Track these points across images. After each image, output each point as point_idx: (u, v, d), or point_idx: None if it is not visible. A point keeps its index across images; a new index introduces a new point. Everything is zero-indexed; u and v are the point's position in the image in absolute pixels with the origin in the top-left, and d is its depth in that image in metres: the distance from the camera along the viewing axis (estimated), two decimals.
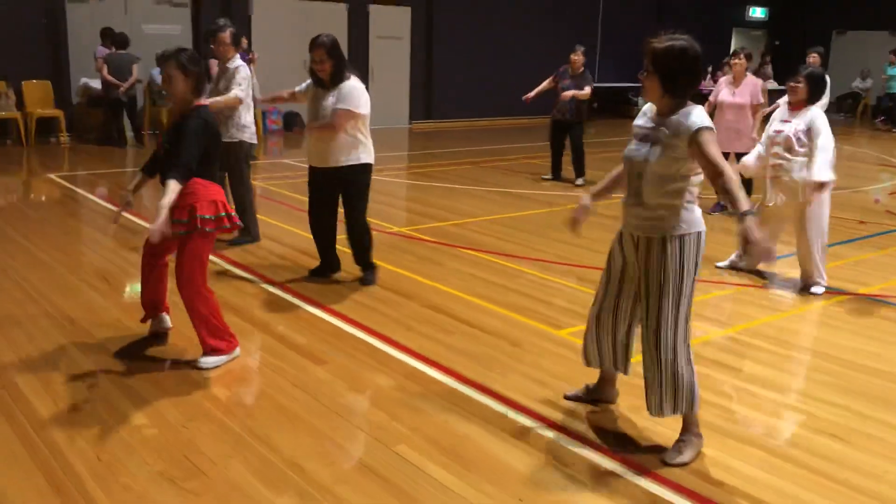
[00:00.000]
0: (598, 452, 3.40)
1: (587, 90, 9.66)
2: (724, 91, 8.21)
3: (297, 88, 5.60)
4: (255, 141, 6.51)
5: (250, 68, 10.64)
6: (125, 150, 11.60)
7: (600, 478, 3.22)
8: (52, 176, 9.44)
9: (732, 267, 6.17)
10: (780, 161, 5.57)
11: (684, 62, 3.12)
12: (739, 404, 3.94)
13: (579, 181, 9.85)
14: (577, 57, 9.66)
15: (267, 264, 6.02)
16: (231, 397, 3.85)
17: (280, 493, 3.03)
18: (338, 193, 5.50)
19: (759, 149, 5.87)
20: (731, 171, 3.05)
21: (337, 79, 5.19)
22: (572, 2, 17.43)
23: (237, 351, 4.25)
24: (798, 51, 20.47)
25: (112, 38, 11.44)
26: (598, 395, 3.82)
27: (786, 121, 5.58)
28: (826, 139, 5.41)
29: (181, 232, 3.98)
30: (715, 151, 3.06)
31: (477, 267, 6.12)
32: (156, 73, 12.15)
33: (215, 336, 4.14)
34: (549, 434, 3.55)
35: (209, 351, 4.14)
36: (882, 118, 18.69)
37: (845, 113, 20.56)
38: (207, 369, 4.09)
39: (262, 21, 13.58)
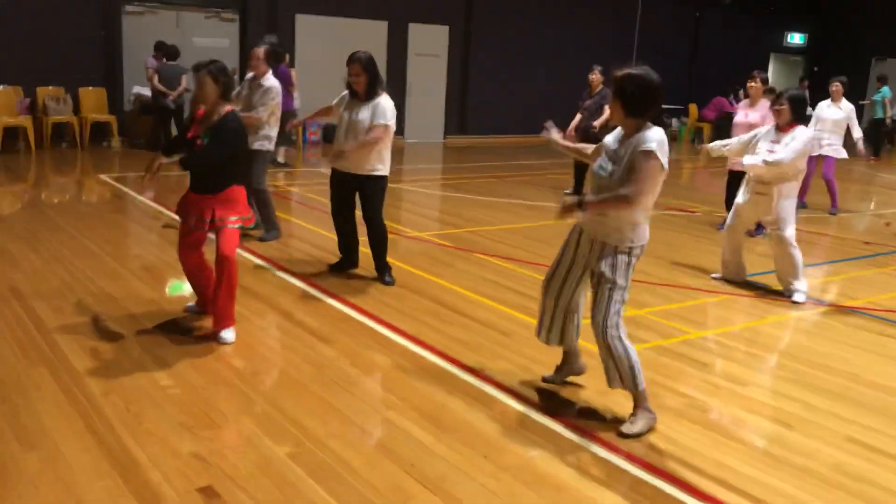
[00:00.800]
0: (561, 424, 3.84)
1: (607, 110, 10.09)
2: (739, 113, 8.56)
3: (333, 102, 6.08)
4: (272, 148, 7.03)
5: (292, 79, 11.28)
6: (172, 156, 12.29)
7: (559, 443, 3.66)
8: (104, 177, 10.15)
9: (724, 279, 6.53)
10: (764, 180, 5.96)
11: (640, 88, 3.58)
12: (701, 393, 4.34)
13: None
14: (595, 76, 10.10)
15: (292, 259, 6.56)
16: (247, 367, 4.37)
17: (280, 442, 3.53)
18: (355, 196, 6.00)
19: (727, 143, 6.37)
20: (638, 197, 3.54)
21: (371, 93, 5.68)
22: (608, 25, 17.85)
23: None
24: (835, 77, 20.67)
25: (164, 49, 12.18)
26: (566, 371, 4.26)
27: (774, 141, 5.95)
28: (790, 154, 5.77)
29: (234, 226, 4.63)
30: (644, 174, 3.52)
31: (483, 269, 6.59)
32: None
33: (229, 313, 4.68)
34: (521, 407, 4.00)
35: (230, 326, 4.67)
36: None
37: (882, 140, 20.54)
38: (227, 343, 4.62)
39: (305, 37, 14.26)
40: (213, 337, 4.68)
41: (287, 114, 11.63)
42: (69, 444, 3.43)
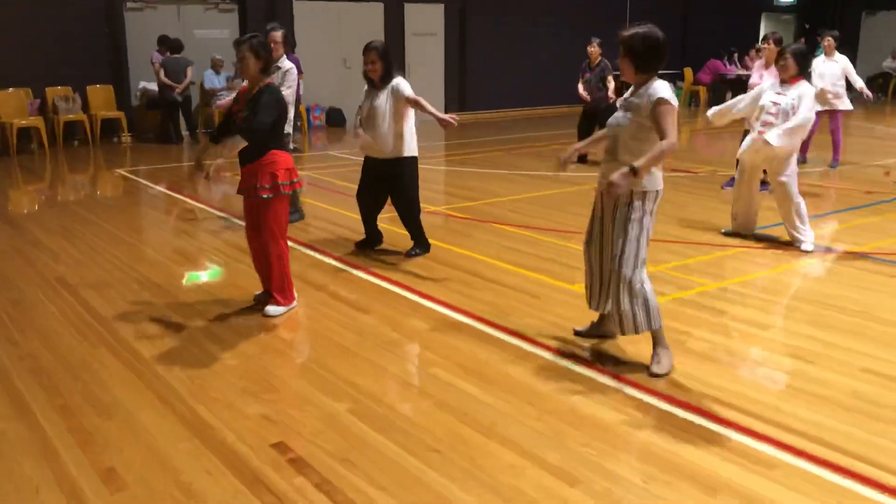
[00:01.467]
0: (595, 370, 4.12)
1: (611, 82, 10.33)
2: (754, 75, 8.72)
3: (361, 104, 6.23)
4: (290, 131, 7.26)
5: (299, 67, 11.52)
6: (181, 147, 12.54)
7: (594, 387, 3.94)
8: (121, 171, 10.39)
9: (734, 232, 6.78)
10: (766, 132, 6.19)
11: (647, 44, 3.88)
12: (722, 337, 4.62)
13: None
14: (593, 49, 10.33)
15: (320, 239, 6.82)
16: (295, 337, 4.64)
17: (339, 400, 3.81)
18: (384, 181, 6.19)
19: (732, 105, 6.57)
20: (675, 141, 3.79)
21: (387, 79, 5.93)
22: None
23: (294, 304, 5.04)
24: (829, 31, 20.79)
25: (168, 43, 12.37)
26: (600, 331, 4.52)
27: (780, 93, 6.19)
28: (804, 113, 6.03)
29: (266, 196, 4.77)
30: (668, 121, 3.79)
31: (503, 237, 6.85)
32: (208, 75, 13.11)
33: (281, 291, 4.93)
34: (556, 359, 4.28)
35: (273, 302, 4.94)
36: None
37: (877, 93, 20.75)
38: (272, 317, 4.89)
39: (303, 21, 14.41)
40: (260, 311, 4.96)
41: (296, 101, 11.92)
42: (144, 412, 3.71)
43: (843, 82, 10.06)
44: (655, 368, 4.04)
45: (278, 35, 7.06)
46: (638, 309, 4.02)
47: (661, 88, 3.87)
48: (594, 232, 4.25)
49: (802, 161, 10.47)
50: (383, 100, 5.92)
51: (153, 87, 12.80)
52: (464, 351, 4.40)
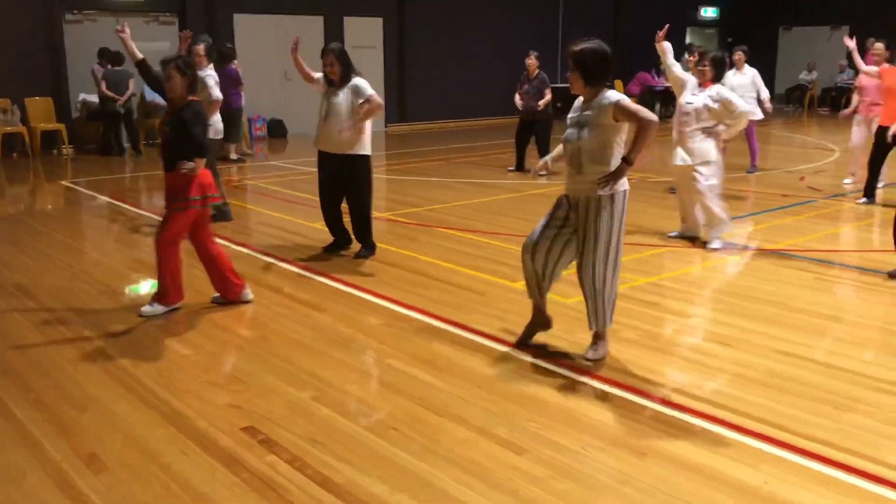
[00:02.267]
0: (538, 358, 4.49)
1: (548, 94, 10.82)
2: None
3: (315, 74, 6.50)
4: (220, 137, 7.58)
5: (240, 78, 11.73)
6: (124, 159, 12.57)
7: (538, 372, 4.31)
8: (65, 182, 10.41)
9: (681, 236, 7.21)
10: (685, 129, 6.70)
11: (595, 58, 4.18)
12: (652, 326, 5.04)
13: (545, 173, 10.93)
14: (531, 61, 10.81)
15: (272, 245, 7.05)
16: (254, 334, 4.89)
17: (302, 389, 4.09)
18: (341, 178, 6.47)
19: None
20: (653, 119, 4.07)
21: (346, 79, 6.25)
22: (534, 9, 18.58)
23: (175, 306, 5.25)
24: (749, 46, 21.82)
25: (109, 56, 12.40)
26: (535, 327, 4.75)
27: (694, 95, 6.72)
28: (740, 102, 6.64)
29: (177, 209, 5.02)
30: (634, 108, 4.10)
31: (448, 241, 7.20)
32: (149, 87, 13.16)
33: (162, 294, 5.19)
34: (503, 349, 4.63)
35: (153, 300, 5.20)
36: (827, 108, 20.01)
37: (793, 104, 21.86)
38: (144, 316, 5.11)
39: (243, 34, 14.57)
40: (217, 309, 5.19)
41: (235, 111, 12.09)
42: (117, 405, 3.92)
43: (753, 94, 10.70)
44: (591, 354, 4.42)
45: (201, 48, 7.43)
46: (610, 308, 4.36)
47: (612, 94, 4.18)
48: (543, 240, 4.40)
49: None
50: (342, 98, 6.22)
51: (94, 98, 12.80)
52: (417, 343, 4.72)
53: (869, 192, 8.80)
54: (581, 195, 4.28)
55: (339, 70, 6.22)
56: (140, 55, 5.46)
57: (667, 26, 7.00)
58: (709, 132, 6.66)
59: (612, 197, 4.23)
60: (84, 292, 5.68)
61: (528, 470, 3.30)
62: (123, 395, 4.03)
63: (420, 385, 4.14)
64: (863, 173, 9.12)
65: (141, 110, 13.29)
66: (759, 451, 3.47)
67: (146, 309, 5.17)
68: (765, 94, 10.81)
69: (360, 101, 6.23)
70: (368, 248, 6.61)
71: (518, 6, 18.26)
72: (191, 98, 5.09)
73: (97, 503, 3.07)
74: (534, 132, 10.96)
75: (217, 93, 7.51)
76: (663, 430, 3.66)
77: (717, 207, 6.80)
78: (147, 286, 5.84)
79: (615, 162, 4.22)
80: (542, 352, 4.57)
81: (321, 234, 6.98)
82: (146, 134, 13.46)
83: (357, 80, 6.26)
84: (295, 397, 4.00)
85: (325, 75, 6.33)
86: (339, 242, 6.76)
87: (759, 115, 10.80)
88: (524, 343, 4.69)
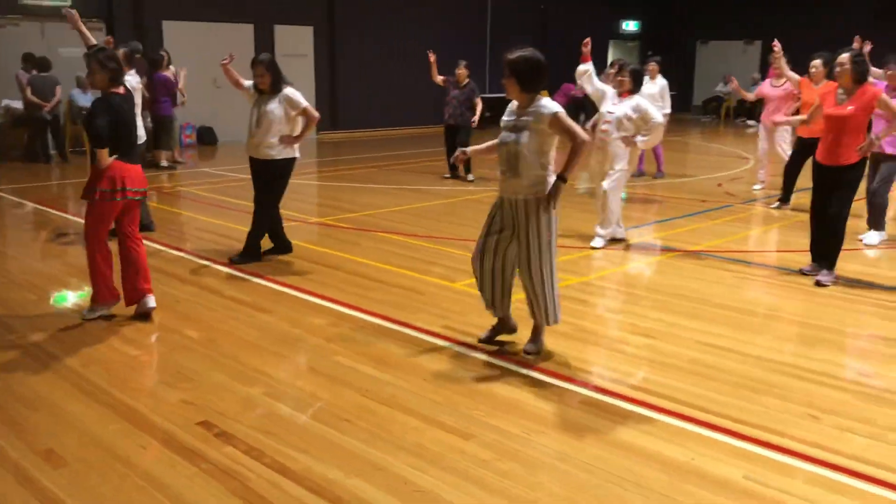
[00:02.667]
0: (478, 352, 4.72)
1: (479, 103, 11.11)
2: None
3: (245, 82, 6.62)
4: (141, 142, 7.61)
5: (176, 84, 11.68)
6: (51, 166, 12.33)
7: (480, 365, 4.54)
8: None
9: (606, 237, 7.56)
10: (606, 137, 7.08)
11: (530, 65, 4.41)
12: (584, 321, 5.34)
13: (470, 177, 11.24)
14: (461, 71, 11.09)
15: (210, 249, 7.11)
16: (200, 335, 4.98)
17: (252, 385, 4.22)
18: (261, 181, 6.61)
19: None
20: (586, 137, 4.37)
21: (276, 88, 6.37)
22: (464, 19, 18.94)
23: (106, 310, 5.26)
24: (668, 59, 22.67)
25: (34, 61, 12.17)
26: (501, 330, 4.94)
27: (615, 104, 7.10)
28: (657, 113, 7.05)
29: (94, 199, 5.03)
30: (570, 124, 4.35)
31: (387, 244, 7.39)
32: (76, 93, 12.96)
33: (93, 295, 5.24)
34: (446, 344, 4.85)
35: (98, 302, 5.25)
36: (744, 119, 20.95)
37: (710, 115, 22.80)
38: (87, 319, 5.17)
39: (172, 41, 14.44)
40: (163, 311, 5.26)
41: (165, 119, 12.02)
42: (69, 403, 3.98)
43: (660, 103, 11.22)
44: (530, 347, 4.68)
45: (119, 53, 7.44)
46: (554, 303, 4.60)
47: (551, 104, 4.40)
48: (492, 243, 4.61)
49: (640, 174, 11.64)
50: (274, 107, 6.35)
51: (17, 104, 12.53)
52: (362, 342, 4.89)
53: (785, 197, 9.34)
54: (518, 197, 4.49)
55: (270, 80, 6.36)
56: (93, 41, 5.49)
57: (588, 39, 7.34)
58: (627, 141, 7.03)
59: (547, 204, 4.46)
60: (24, 298, 5.66)
61: (475, 453, 3.52)
62: (75, 394, 4.09)
63: (368, 379, 4.32)
64: (774, 179, 9.69)
65: (69, 116, 13.05)
66: (684, 430, 3.77)
67: (86, 312, 5.21)
68: (667, 108, 11.32)
69: (294, 112, 6.39)
70: (249, 257, 6.66)
71: (447, 18, 18.58)
72: (112, 90, 5.10)
73: (59, 496, 3.16)
74: (457, 138, 11.19)
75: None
76: (598, 414, 3.94)
77: (616, 212, 7.20)
78: (86, 290, 5.84)
79: (550, 167, 4.49)
80: (484, 346, 4.81)
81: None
82: (72, 140, 13.23)
83: (288, 91, 6.40)
84: (247, 393, 4.13)
85: (255, 85, 6.45)
86: (280, 247, 6.87)
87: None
88: (487, 341, 4.86)
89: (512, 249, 4.62)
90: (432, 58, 11.19)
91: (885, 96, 6.15)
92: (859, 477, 3.37)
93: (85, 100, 13.01)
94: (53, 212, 8.84)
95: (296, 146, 6.56)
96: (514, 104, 4.60)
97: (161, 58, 11.85)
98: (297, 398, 4.08)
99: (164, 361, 4.58)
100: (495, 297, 4.73)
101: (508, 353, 4.71)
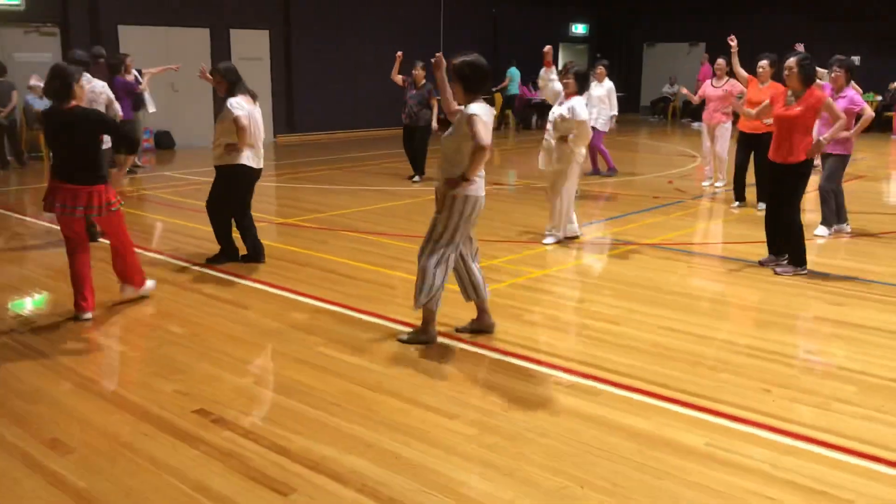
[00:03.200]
0: (452, 339, 5.00)
1: (435, 103, 11.37)
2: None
3: None
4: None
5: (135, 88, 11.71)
6: (8, 172, 12.25)
7: (454, 350, 4.82)
8: None
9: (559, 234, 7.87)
10: (550, 137, 7.40)
11: (472, 69, 4.71)
12: (550, 309, 5.65)
13: (416, 178, 11.52)
14: (418, 72, 11.34)
15: (183, 251, 7.25)
16: (185, 331, 5.16)
17: (242, 376, 4.43)
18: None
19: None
20: (486, 143, 4.56)
21: (230, 95, 6.54)
22: (417, 21, 19.20)
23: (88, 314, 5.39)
24: (616, 61, 23.29)
25: None
26: (478, 327, 5.18)
27: (560, 104, 7.40)
28: (584, 112, 7.30)
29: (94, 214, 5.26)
30: (480, 127, 4.56)
31: (356, 243, 7.62)
32: (30, 98, 12.88)
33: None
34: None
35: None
36: (689, 119, 21.62)
37: (658, 115, 23.45)
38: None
39: (129, 46, 14.39)
40: (143, 309, 5.42)
41: (125, 122, 12.03)
42: (67, 397, 4.15)
43: (607, 105, 11.65)
44: (401, 338, 5.00)
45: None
46: (425, 291, 4.83)
47: (474, 106, 4.64)
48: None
49: (595, 173, 12.05)
50: (223, 114, 6.52)
51: None
52: (342, 333, 5.13)
53: (740, 195, 9.67)
54: (439, 189, 4.79)
55: (225, 87, 6.54)
56: None
57: (549, 47, 7.63)
58: (562, 140, 7.32)
59: (454, 198, 4.72)
60: (6, 299, 5.76)
61: (460, 430, 3.79)
62: (71, 388, 4.25)
63: (351, 367, 4.56)
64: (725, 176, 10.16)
65: (24, 121, 12.96)
66: (650, 405, 4.10)
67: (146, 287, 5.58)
68: (614, 110, 11.75)
69: (227, 121, 6.49)
70: (226, 256, 6.83)
71: (401, 23, 18.83)
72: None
73: (70, 479, 3.34)
74: (414, 138, 11.43)
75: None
76: (569, 393, 4.24)
77: (567, 209, 7.53)
78: (63, 291, 5.96)
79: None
80: (456, 333, 5.08)
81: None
82: (29, 146, 13.14)
83: (230, 100, 6.51)
84: (238, 383, 4.34)
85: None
86: (251, 255, 6.96)
87: (605, 129, 11.71)
88: (462, 331, 5.13)
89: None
90: (399, 56, 11.36)
91: (829, 100, 6.57)
92: (809, 440, 3.73)
93: (40, 104, 12.94)
94: (15, 215, 8.86)
95: (243, 153, 6.58)
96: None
97: (120, 61, 11.86)
98: (286, 386, 4.30)
99: (154, 356, 4.75)
100: (463, 284, 5.04)
101: (481, 341, 4.99)
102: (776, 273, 6.56)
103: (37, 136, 12.89)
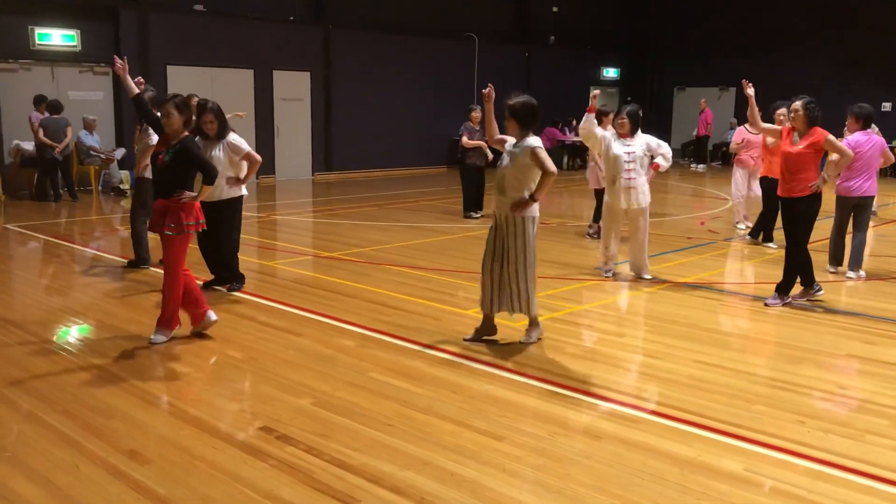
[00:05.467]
0: (496, 367, 5.24)
1: (466, 142, 11.74)
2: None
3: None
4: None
5: None
6: (61, 205, 12.76)
7: (499, 378, 5.05)
8: (10, 227, 10.60)
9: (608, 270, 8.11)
10: (633, 175, 7.66)
11: (526, 109, 5.51)
12: (590, 343, 5.88)
13: (478, 214, 11.91)
14: (476, 114, 11.73)
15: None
16: (244, 355, 5.45)
17: (300, 397, 4.70)
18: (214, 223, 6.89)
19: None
20: (555, 170, 5.36)
21: (222, 134, 6.93)
22: (452, 66, 19.71)
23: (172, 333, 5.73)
24: (647, 105, 23.65)
25: (47, 104, 12.66)
26: (484, 333, 5.76)
27: (628, 145, 7.69)
28: (664, 144, 7.81)
29: (168, 233, 5.52)
30: (545, 157, 5.35)
31: (398, 276, 7.91)
32: (83, 135, 13.45)
33: (166, 320, 5.68)
34: (467, 363, 5.35)
35: (161, 328, 5.69)
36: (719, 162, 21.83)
37: (688, 157, 23.67)
38: (156, 344, 5.62)
39: (176, 85, 14.97)
40: (207, 337, 5.72)
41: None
42: (140, 413, 4.43)
43: None
44: (525, 339, 5.68)
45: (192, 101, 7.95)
46: (529, 297, 5.60)
47: (534, 140, 5.53)
48: (487, 255, 5.66)
49: None
50: (220, 152, 6.86)
51: (28, 146, 12.98)
52: (390, 360, 5.39)
53: (767, 236, 9.89)
54: (503, 213, 5.54)
55: (216, 126, 6.86)
56: (136, 90, 6.02)
57: (597, 91, 7.95)
58: (655, 170, 7.78)
59: (523, 219, 5.50)
60: (71, 322, 6.10)
61: (509, 451, 4.02)
62: (142, 405, 4.54)
63: (402, 391, 4.82)
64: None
65: (75, 157, 13.50)
66: (689, 433, 4.30)
67: (155, 337, 5.63)
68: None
69: (237, 157, 6.92)
70: (239, 281, 7.22)
71: (437, 66, 19.35)
72: (186, 133, 5.66)
73: (151, 486, 3.61)
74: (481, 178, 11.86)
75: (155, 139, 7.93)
76: (612, 420, 4.46)
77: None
78: (129, 318, 6.30)
79: (527, 192, 5.47)
80: (501, 361, 5.32)
81: (279, 270, 7.58)
82: (79, 180, 13.68)
83: (231, 137, 6.94)
84: (296, 404, 4.61)
85: (200, 129, 6.81)
86: (218, 280, 7.23)
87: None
88: (472, 340, 5.76)
89: (506, 261, 5.59)
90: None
91: (831, 137, 6.87)
92: (842, 469, 3.91)
93: (92, 140, 13.52)
94: (77, 247, 9.27)
95: (243, 186, 7.05)
96: (513, 139, 5.64)
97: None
98: (342, 408, 4.56)
99: (216, 377, 5.04)
100: (492, 296, 5.68)
101: (526, 367, 5.23)
102: (766, 305, 6.90)
103: (87, 170, 13.43)
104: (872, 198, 8.22)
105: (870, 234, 8.75)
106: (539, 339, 5.77)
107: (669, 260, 9.06)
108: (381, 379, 5.03)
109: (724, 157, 22.51)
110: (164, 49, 14.91)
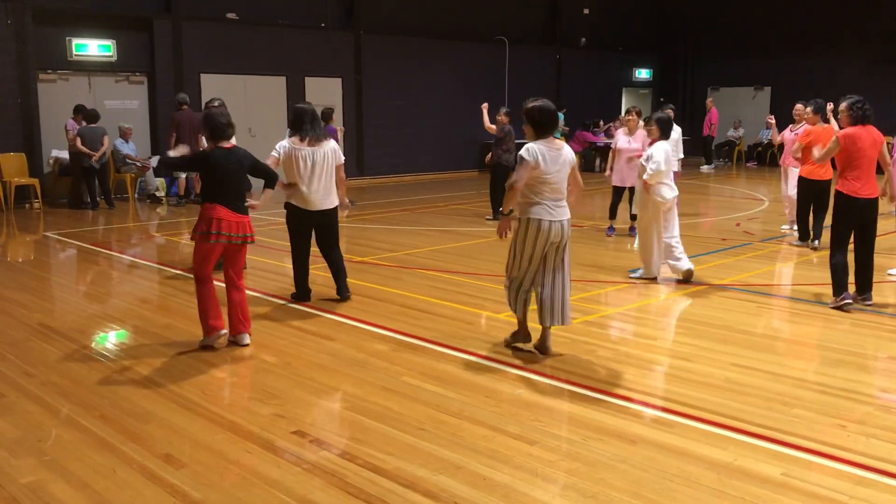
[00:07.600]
0: (528, 371, 5.21)
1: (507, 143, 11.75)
2: (621, 139, 10.36)
3: None
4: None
5: None
6: (98, 212, 12.96)
7: (532, 382, 5.03)
8: (50, 234, 10.80)
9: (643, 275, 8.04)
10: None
11: (542, 113, 5.34)
12: (622, 346, 5.82)
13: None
14: (502, 118, 11.72)
15: (270, 287, 7.65)
16: (278, 360, 5.49)
17: (333, 401, 4.72)
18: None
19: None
20: (518, 185, 5.21)
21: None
22: (483, 70, 19.71)
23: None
24: (681, 105, 23.40)
25: (84, 113, 12.89)
26: (518, 338, 5.69)
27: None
28: (658, 157, 7.49)
29: (192, 239, 5.61)
30: (518, 167, 5.23)
31: (430, 280, 7.91)
32: (119, 143, 13.66)
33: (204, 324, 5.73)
34: (500, 367, 5.34)
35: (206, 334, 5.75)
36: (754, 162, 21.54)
37: (723, 159, 23.40)
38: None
39: (210, 92, 15.11)
40: (237, 343, 5.77)
41: None
42: (175, 418, 4.48)
43: (672, 150, 11.72)
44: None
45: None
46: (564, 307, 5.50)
47: (527, 147, 5.26)
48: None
49: None
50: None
51: (65, 155, 13.22)
52: (423, 364, 5.39)
53: (804, 234, 9.77)
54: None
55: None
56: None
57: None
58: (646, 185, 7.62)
59: (518, 222, 5.40)
60: (107, 328, 6.20)
61: (541, 455, 3.99)
62: (178, 410, 4.59)
63: (434, 395, 4.81)
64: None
65: (112, 166, 13.72)
66: (725, 437, 4.24)
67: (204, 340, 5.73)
68: (680, 154, 11.84)
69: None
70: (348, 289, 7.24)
71: (468, 70, 19.37)
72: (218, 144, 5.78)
73: (186, 489, 3.64)
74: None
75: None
76: (645, 424, 4.41)
77: (650, 250, 7.78)
78: (166, 324, 6.37)
79: (531, 198, 5.34)
80: (533, 366, 5.30)
81: (311, 275, 7.59)
82: (116, 188, 13.89)
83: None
84: (329, 408, 4.63)
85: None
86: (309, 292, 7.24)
87: (677, 168, 11.81)
88: (507, 345, 5.71)
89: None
90: (485, 107, 12.13)
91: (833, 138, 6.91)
92: (885, 474, 3.82)
93: (128, 149, 13.73)
94: (115, 254, 9.41)
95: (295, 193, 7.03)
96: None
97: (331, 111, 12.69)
98: (375, 412, 4.56)
99: (250, 382, 5.08)
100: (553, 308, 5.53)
101: (559, 373, 5.19)
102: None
103: (123, 178, 13.65)
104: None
105: None
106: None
107: (704, 262, 8.95)
108: (414, 383, 5.03)
109: (759, 158, 22.24)
110: (198, 57, 15.10)
